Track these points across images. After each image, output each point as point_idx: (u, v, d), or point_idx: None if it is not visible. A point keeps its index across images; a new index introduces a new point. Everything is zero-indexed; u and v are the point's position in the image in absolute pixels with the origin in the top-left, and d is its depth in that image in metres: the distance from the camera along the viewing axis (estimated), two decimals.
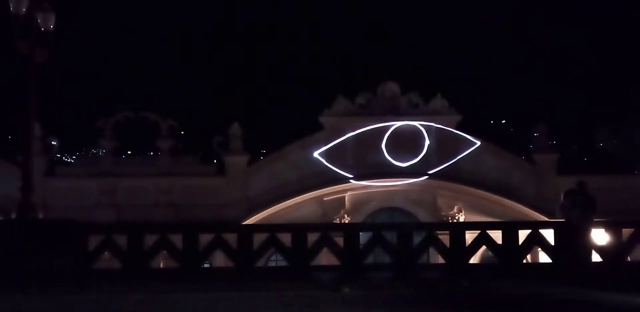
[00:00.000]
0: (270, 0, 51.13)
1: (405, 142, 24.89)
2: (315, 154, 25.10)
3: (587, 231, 13.61)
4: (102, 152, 26.03)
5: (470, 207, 24.89)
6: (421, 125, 25.17)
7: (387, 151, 24.99)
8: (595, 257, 13.95)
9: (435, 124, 25.36)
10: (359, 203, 25.19)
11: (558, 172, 25.28)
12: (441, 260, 13.98)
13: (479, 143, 25.47)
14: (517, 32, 50.77)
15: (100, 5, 48.21)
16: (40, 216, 13.35)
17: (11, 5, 13.24)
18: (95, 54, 47.21)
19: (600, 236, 14.16)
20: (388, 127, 25.12)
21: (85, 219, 17.51)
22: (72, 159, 35.84)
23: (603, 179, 23.87)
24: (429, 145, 25.10)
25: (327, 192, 25.12)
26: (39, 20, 13.63)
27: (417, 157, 24.97)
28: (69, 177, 24.37)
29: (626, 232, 14.32)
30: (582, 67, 47.87)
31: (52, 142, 24.69)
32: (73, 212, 20.15)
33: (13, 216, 13.37)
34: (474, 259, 14.94)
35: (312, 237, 13.39)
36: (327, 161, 25.07)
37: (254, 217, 24.42)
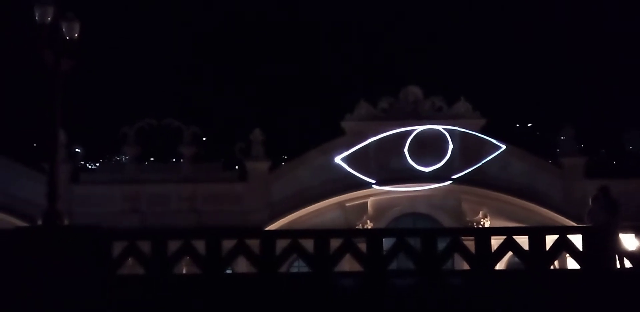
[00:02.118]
0: (291, 4, 51.35)
1: (428, 147, 24.66)
2: (337, 160, 25.04)
3: (615, 236, 13.31)
4: (126, 159, 26.32)
5: (496, 213, 24.55)
6: (444, 129, 24.94)
7: (410, 156, 24.80)
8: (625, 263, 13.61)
9: (459, 127, 25.11)
10: (381, 209, 25.03)
11: (586, 176, 24.82)
12: (466, 266, 13.76)
13: (504, 147, 25.14)
14: (543, 34, 50.19)
15: (123, 12, 48.97)
16: (66, 222, 13.45)
17: (37, 15, 13.45)
18: (118, 61, 47.88)
19: (630, 241, 13.82)
20: (411, 132, 24.95)
21: (109, 225, 17.65)
22: (96, 166, 36.28)
23: (632, 183, 23.40)
24: (452, 150, 24.85)
25: (350, 197, 25.01)
26: (63, 30, 13.79)
27: (440, 161, 24.71)
28: (93, 184, 24.66)
29: None
30: (610, 68, 47.09)
31: (77, 150, 25.05)
32: (97, 218, 20.35)
33: (39, 222, 13.51)
34: (500, 265, 14.68)
35: (335, 243, 13.30)
36: (349, 166, 24.98)
37: (276, 223, 24.42)
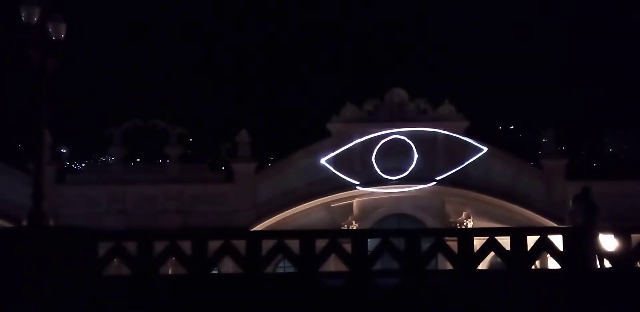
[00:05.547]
0: (278, 7, 51.44)
1: (395, 155, 24.88)
2: (323, 161, 25.19)
3: (595, 237, 13.56)
4: (111, 159, 26.23)
5: (479, 213, 24.84)
6: (427, 131, 25.17)
7: (377, 165, 24.97)
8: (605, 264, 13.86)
9: (443, 130, 25.39)
10: (366, 209, 25.20)
11: (567, 177, 25.20)
12: (449, 266, 13.95)
13: (486, 149, 25.46)
14: (526, 37, 50.74)
15: (109, 12, 48.69)
16: (51, 223, 13.42)
17: (23, 15, 13.40)
18: (104, 62, 47.63)
19: (609, 242, 14.09)
20: (383, 137, 25.16)
21: (95, 226, 17.64)
22: (81, 166, 36.10)
23: (612, 185, 23.81)
24: (437, 152, 25.13)
25: (335, 198, 25.16)
26: (50, 30, 13.77)
27: (406, 170, 24.89)
28: (79, 185, 24.55)
29: (635, 238, 14.23)
30: (592, 70, 47.73)
31: (62, 150, 24.92)
32: (83, 219, 20.34)
33: (24, 223, 13.46)
34: (483, 265, 14.89)
35: (320, 244, 13.41)
36: (334, 168, 25.14)
37: (262, 223, 24.50)
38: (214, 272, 14.87)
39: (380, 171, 24.98)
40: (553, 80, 48.39)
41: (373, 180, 25.02)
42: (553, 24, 52.68)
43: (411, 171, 24.95)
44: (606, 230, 13.88)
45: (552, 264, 15.15)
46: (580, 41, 50.84)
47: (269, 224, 24.63)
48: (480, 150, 25.42)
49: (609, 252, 13.86)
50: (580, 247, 13.50)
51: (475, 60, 49.73)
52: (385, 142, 25.08)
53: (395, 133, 25.19)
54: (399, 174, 24.97)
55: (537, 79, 48.66)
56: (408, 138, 25.14)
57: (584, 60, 49.08)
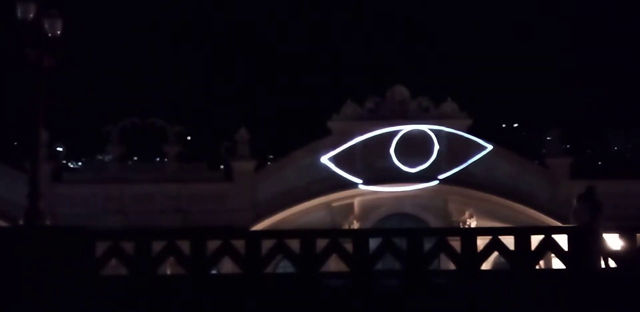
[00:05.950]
0: (279, 5, 51.32)
1: (414, 147, 24.73)
2: (324, 159, 25.01)
3: (599, 236, 13.41)
4: (109, 158, 26.04)
5: (482, 213, 24.67)
6: (431, 129, 25.01)
7: (396, 156, 24.83)
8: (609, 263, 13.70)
9: (446, 128, 25.18)
10: (368, 209, 25.04)
11: (571, 176, 25.03)
12: (452, 266, 13.77)
13: (490, 147, 25.27)
14: (531, 35, 50.61)
15: (107, 10, 48.53)
16: (48, 222, 13.25)
17: (18, 11, 13.25)
18: (102, 59, 47.48)
19: (614, 242, 13.92)
20: (397, 132, 24.97)
21: (92, 225, 17.43)
22: (78, 165, 35.93)
23: (617, 184, 23.66)
24: (439, 150, 24.91)
25: (336, 197, 25.00)
26: (46, 27, 13.61)
27: (426, 162, 24.75)
28: (76, 184, 24.42)
29: None
30: (597, 69, 47.56)
31: (59, 149, 24.76)
32: (80, 218, 20.15)
33: (20, 222, 13.31)
34: (486, 265, 14.70)
35: (321, 244, 13.25)
36: (335, 166, 24.94)
37: (261, 223, 24.34)
38: (213, 272, 14.70)
39: (400, 162, 24.59)
40: (555, 78, 48.25)
41: (383, 176, 24.69)
42: (553, 24, 52.54)
43: (432, 162, 24.57)
44: (611, 229, 13.74)
45: (557, 263, 14.96)
46: (580, 41, 50.68)
47: (268, 223, 24.46)
48: (484, 148, 25.23)
49: (614, 251, 13.69)
50: (585, 246, 13.34)
51: (476, 59, 49.62)
52: (404, 134, 24.72)
53: (397, 131, 24.97)
54: (417, 166, 24.60)
55: (539, 77, 48.52)
56: (413, 135, 24.80)
57: (590, 58, 48.89)
